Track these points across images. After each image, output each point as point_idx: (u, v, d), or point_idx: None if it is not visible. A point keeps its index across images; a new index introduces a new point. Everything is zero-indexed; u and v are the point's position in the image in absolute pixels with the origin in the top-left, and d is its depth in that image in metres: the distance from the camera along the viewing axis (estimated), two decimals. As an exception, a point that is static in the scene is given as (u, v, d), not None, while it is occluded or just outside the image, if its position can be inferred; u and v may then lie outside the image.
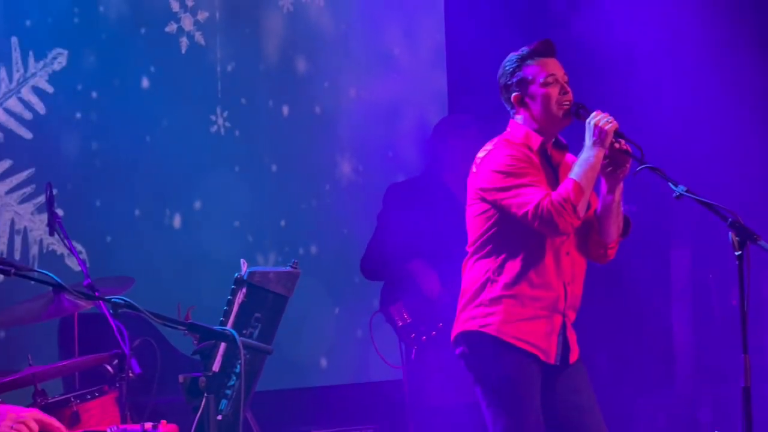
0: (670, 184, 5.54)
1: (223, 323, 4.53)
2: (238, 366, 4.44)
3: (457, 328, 5.73)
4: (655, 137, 6.90)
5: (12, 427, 4.44)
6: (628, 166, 5.62)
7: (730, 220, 5.47)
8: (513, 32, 8.57)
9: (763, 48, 8.53)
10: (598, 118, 5.57)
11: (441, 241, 7.39)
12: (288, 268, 4.65)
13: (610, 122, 5.57)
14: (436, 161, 7.71)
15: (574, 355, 5.75)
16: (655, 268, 8.67)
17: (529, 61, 5.74)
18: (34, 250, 7.52)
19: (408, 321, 7.43)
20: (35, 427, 4.47)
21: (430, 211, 7.51)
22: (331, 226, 8.63)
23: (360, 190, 8.68)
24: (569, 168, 5.74)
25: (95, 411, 5.88)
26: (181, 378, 4.34)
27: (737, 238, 5.42)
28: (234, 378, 4.50)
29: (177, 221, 8.08)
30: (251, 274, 4.59)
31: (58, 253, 7.55)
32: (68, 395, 5.94)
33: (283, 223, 8.52)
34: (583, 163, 5.55)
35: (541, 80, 5.70)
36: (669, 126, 8.11)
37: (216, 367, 4.42)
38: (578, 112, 5.69)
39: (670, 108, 8.29)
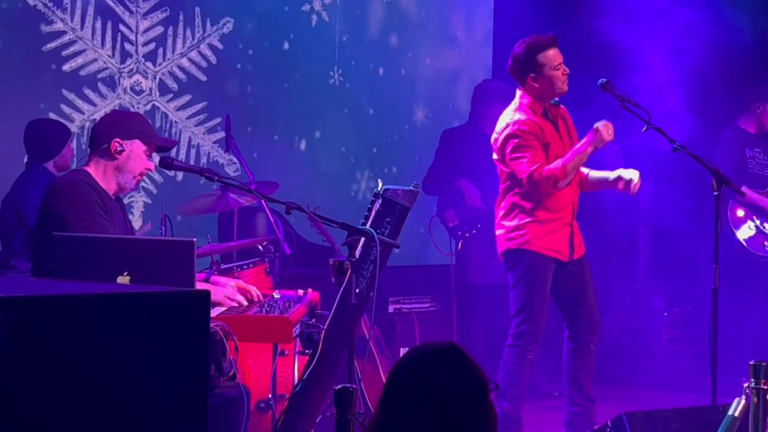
0: (668, 140, 5.41)
1: (364, 224, 4.43)
2: (373, 254, 4.33)
3: (502, 246, 5.68)
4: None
5: (232, 295, 4.39)
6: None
7: (712, 168, 5.35)
8: (543, 23, 8.41)
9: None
10: (601, 129, 5.41)
11: (480, 169, 7.31)
12: (411, 188, 4.53)
13: (609, 134, 5.41)
14: (481, 116, 7.55)
15: (578, 253, 5.70)
16: (626, 202, 8.51)
17: (543, 50, 5.54)
18: (204, 159, 7.43)
19: (456, 222, 7.34)
20: (245, 297, 4.42)
21: (471, 150, 7.40)
22: (407, 154, 8.50)
23: (428, 130, 8.51)
24: (563, 118, 5.69)
25: (250, 277, 5.79)
26: (331, 261, 4.24)
27: (716, 183, 5.31)
28: (369, 263, 4.39)
29: (303, 145, 7.96)
30: (385, 190, 4.49)
31: (220, 162, 7.47)
32: (232, 264, 5.85)
33: (375, 150, 8.40)
34: (575, 153, 5.47)
35: (554, 65, 5.51)
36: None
37: (357, 254, 4.32)
38: (605, 86, 5.52)
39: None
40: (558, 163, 5.42)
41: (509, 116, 5.57)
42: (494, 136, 5.61)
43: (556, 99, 5.65)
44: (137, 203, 7.04)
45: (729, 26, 8.15)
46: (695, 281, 8.24)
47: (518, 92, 5.61)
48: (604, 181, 5.63)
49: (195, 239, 3.67)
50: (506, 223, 5.62)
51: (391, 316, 7.43)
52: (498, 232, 5.69)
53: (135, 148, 4.42)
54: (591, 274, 5.77)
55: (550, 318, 5.77)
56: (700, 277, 8.16)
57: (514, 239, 5.59)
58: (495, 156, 5.64)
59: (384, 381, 6.16)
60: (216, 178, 4.36)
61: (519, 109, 5.56)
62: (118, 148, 4.39)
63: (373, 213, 4.43)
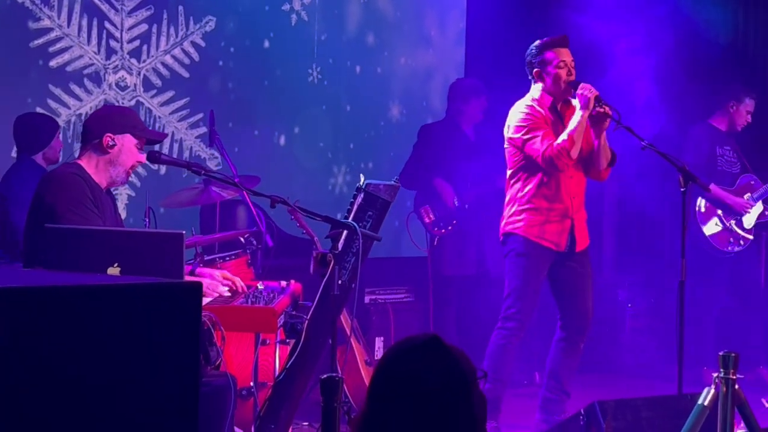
0: (637, 138, 5.44)
1: (346, 217, 4.41)
2: (355, 247, 4.32)
3: (501, 230, 5.76)
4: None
5: (213, 287, 4.37)
6: (607, 123, 5.55)
7: (679, 165, 5.38)
8: (516, 23, 8.43)
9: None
10: (583, 91, 5.49)
11: (455, 166, 7.31)
12: (392, 183, 4.51)
13: (591, 92, 5.47)
14: (456, 112, 7.56)
15: (579, 246, 5.72)
16: (592, 193, 8.52)
17: (549, 48, 5.62)
18: (186, 154, 7.38)
19: (432, 219, 7.34)
20: (229, 288, 4.40)
21: (448, 144, 7.40)
22: (383, 149, 8.48)
23: (403, 127, 8.50)
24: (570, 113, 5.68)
25: (232, 269, 5.75)
26: (314, 253, 4.23)
27: (683, 179, 5.34)
28: (351, 255, 4.37)
29: (282, 140, 7.91)
30: (367, 184, 4.47)
31: (202, 157, 7.42)
32: (215, 256, 5.81)
33: (351, 145, 8.36)
34: (573, 122, 5.50)
35: (556, 64, 5.58)
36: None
37: (340, 247, 4.30)
38: (575, 86, 5.59)
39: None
40: (563, 134, 5.51)
41: (518, 107, 5.68)
42: (507, 124, 5.68)
43: (569, 98, 5.70)
44: (122, 195, 6.99)
45: (704, 23, 8.17)
46: (660, 273, 8.28)
47: (532, 86, 5.71)
48: (597, 128, 5.60)
49: (184, 231, 3.63)
50: (508, 208, 5.71)
51: (367, 306, 7.41)
52: (503, 216, 5.77)
53: (126, 142, 4.39)
54: (591, 271, 5.78)
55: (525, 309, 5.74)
56: (664, 269, 8.20)
57: (511, 224, 5.67)
58: (506, 145, 5.72)
59: (362, 371, 6.12)
60: (202, 172, 4.34)
61: (528, 101, 5.67)
62: (110, 143, 4.37)
63: (356, 207, 4.42)
